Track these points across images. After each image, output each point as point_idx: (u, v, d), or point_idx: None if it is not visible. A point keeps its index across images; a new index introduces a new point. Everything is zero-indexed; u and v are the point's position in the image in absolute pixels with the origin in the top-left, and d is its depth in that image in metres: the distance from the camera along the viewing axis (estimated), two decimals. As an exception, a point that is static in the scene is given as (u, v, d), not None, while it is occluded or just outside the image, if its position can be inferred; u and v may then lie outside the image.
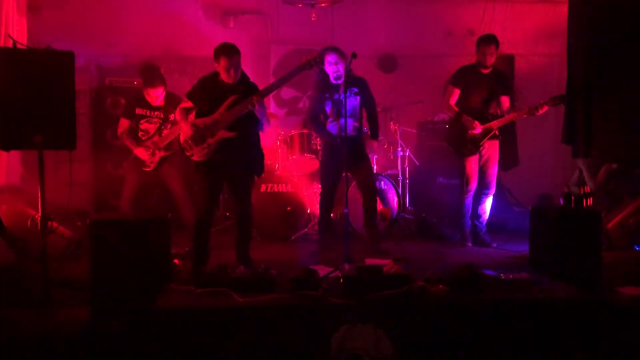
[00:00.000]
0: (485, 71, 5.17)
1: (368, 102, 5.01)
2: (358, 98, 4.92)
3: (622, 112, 4.50)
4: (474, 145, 5.16)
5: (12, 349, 3.17)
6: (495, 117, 5.20)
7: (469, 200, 5.27)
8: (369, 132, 5.16)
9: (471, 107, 5.17)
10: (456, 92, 5.25)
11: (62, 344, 3.22)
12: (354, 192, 5.52)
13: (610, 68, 4.45)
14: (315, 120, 5.03)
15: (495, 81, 5.19)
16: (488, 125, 5.13)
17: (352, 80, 4.84)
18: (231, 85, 4.25)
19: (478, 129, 5.09)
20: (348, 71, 4.51)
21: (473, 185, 5.23)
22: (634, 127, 4.30)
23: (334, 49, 4.77)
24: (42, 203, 3.55)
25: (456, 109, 5.23)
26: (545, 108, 4.97)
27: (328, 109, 4.91)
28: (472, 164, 5.20)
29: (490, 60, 5.11)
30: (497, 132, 5.18)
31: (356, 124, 4.95)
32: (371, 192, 5.04)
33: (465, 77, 5.22)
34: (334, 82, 4.84)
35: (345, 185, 4.57)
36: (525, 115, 5.08)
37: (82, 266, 3.89)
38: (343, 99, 4.64)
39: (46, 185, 3.61)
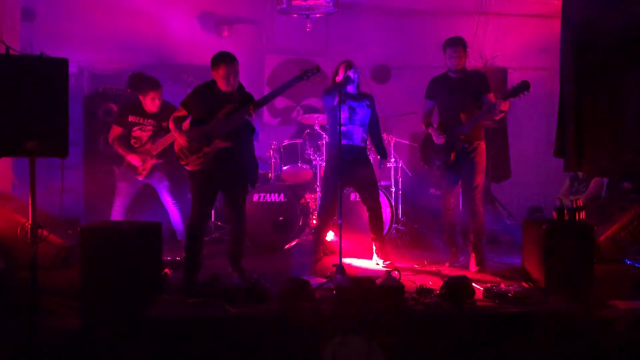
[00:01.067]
0: (455, 76, 4.82)
1: (375, 119, 5.06)
2: (369, 111, 4.96)
3: (613, 125, 4.54)
4: (444, 159, 4.82)
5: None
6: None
7: (450, 217, 4.98)
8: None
9: (449, 117, 4.83)
10: (428, 104, 4.98)
11: (50, 353, 3.19)
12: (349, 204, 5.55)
13: (601, 82, 4.49)
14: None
15: (467, 84, 4.80)
16: (455, 134, 4.76)
17: (363, 94, 4.99)
18: (228, 94, 4.24)
19: (440, 139, 4.78)
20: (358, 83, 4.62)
21: (451, 201, 4.94)
22: (624, 141, 4.34)
23: (347, 60, 4.91)
24: (32, 210, 3.52)
25: (429, 121, 4.95)
26: (507, 104, 4.57)
27: (343, 114, 4.86)
28: (447, 179, 4.93)
29: (459, 63, 4.76)
30: (465, 143, 4.75)
31: (364, 135, 4.97)
32: (377, 207, 5.03)
33: (435, 87, 4.93)
34: (348, 89, 4.83)
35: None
36: (487, 114, 4.67)
37: (73, 274, 3.85)
38: (355, 105, 4.85)
39: (37, 192, 3.58)
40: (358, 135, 4.92)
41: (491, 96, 4.81)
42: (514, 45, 7.14)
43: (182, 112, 4.34)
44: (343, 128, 4.77)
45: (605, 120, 4.52)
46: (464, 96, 4.78)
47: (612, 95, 4.45)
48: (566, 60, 4.80)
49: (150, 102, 5.24)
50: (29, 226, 3.54)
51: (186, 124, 4.39)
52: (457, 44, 4.77)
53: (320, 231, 5.03)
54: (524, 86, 4.51)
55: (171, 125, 4.35)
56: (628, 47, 4.21)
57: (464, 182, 4.87)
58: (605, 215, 5.27)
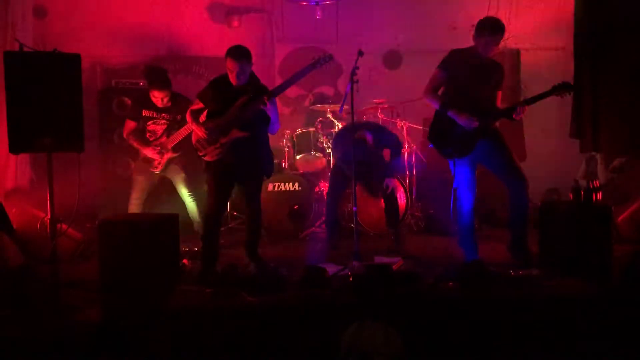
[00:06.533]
0: (485, 60, 4.32)
1: None
2: None
3: (629, 104, 4.48)
4: (466, 144, 4.24)
5: (22, 350, 3.18)
6: (494, 110, 4.31)
7: (467, 216, 4.42)
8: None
9: (462, 100, 4.25)
10: (442, 76, 4.34)
11: (72, 345, 3.23)
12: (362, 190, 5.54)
13: (617, 61, 4.43)
14: None
15: (495, 72, 4.38)
16: (487, 121, 4.22)
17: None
18: (241, 86, 4.25)
19: (475, 122, 4.16)
20: (355, 68, 4.55)
21: (468, 193, 4.38)
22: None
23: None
24: (51, 205, 3.56)
25: (445, 100, 4.32)
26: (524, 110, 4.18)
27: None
28: (465, 166, 4.35)
29: (494, 52, 4.31)
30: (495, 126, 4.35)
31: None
32: (391, 192, 5.02)
33: (459, 61, 4.31)
34: None
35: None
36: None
37: (92, 267, 3.90)
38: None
39: (55, 187, 3.62)
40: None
41: (499, 94, 4.45)
42: (527, 25, 7.04)
43: (199, 105, 4.37)
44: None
45: (623, 99, 4.46)
46: (492, 85, 4.36)
47: (630, 74, 4.40)
48: (581, 39, 4.74)
49: (157, 100, 5.26)
50: (48, 221, 3.59)
51: (203, 117, 4.41)
52: (500, 31, 4.24)
53: (331, 219, 5.06)
54: (563, 87, 4.15)
55: (189, 118, 4.39)
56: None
57: (498, 161, 4.34)
58: (622, 194, 5.22)
